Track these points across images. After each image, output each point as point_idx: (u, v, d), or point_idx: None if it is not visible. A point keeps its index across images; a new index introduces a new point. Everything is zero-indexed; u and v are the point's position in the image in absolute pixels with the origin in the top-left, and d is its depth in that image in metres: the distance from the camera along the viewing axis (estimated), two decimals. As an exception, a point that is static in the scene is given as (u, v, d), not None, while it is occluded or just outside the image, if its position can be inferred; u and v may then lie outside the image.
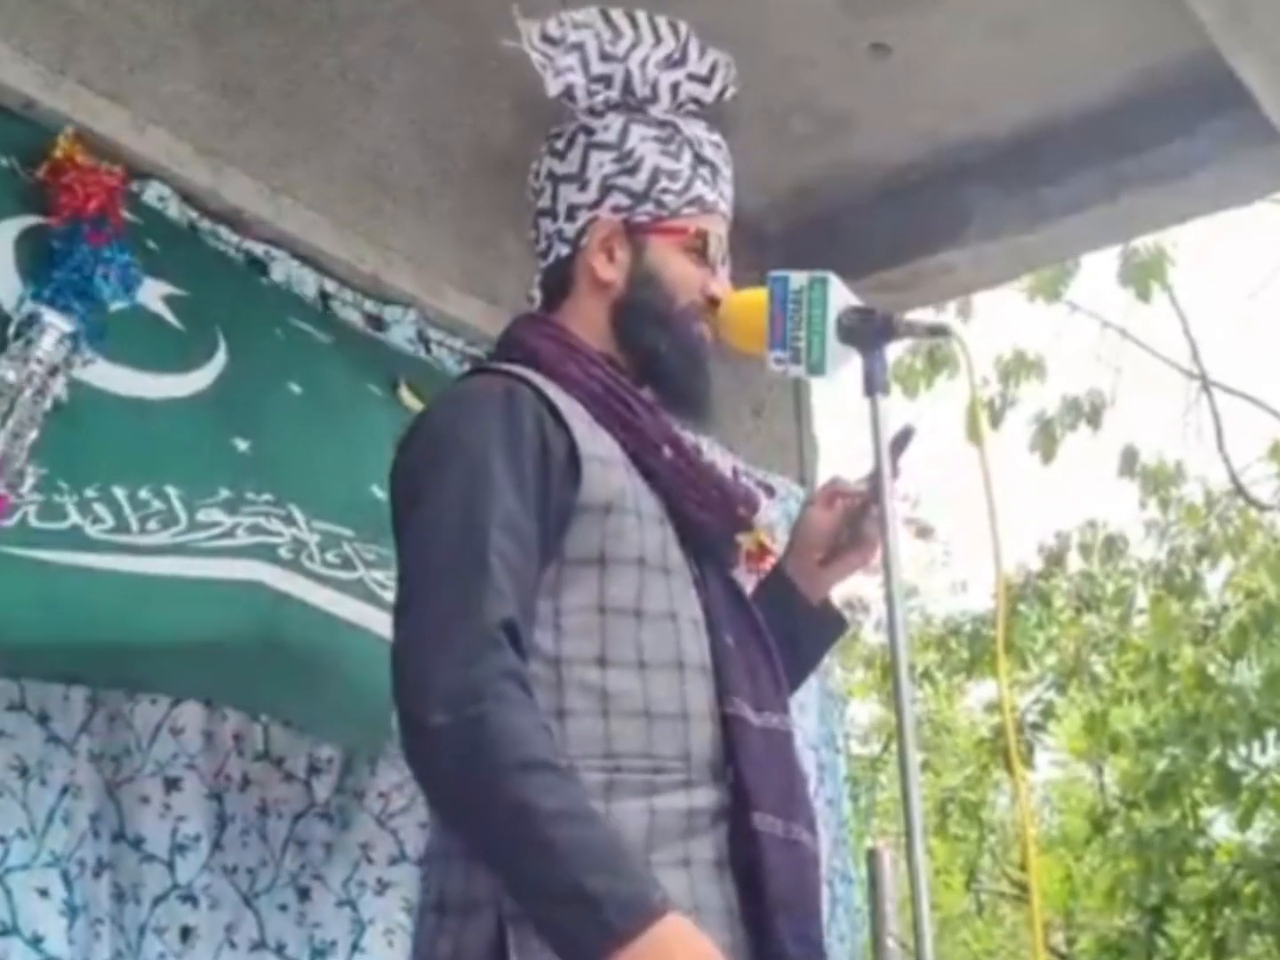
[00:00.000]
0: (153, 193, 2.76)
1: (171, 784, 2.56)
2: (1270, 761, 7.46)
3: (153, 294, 2.58)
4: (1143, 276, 7.36)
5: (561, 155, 1.94)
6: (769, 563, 2.54)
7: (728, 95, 2.00)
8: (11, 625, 2.19)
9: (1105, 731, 8.13)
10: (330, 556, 2.55)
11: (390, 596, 2.46)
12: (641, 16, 1.97)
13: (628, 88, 1.94)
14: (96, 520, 2.31)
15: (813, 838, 1.79)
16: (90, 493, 2.33)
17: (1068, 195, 3.78)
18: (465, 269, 3.35)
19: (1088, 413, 7.94)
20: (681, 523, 1.82)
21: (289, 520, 2.53)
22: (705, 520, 1.85)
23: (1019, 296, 7.79)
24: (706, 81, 1.98)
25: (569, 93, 1.93)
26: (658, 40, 1.96)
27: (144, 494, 2.38)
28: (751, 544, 3.41)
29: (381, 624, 2.53)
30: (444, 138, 3.37)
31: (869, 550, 2.00)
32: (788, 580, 2.06)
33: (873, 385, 1.79)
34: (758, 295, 1.82)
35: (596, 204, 1.91)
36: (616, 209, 1.90)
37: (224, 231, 2.89)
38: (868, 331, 1.81)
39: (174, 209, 2.80)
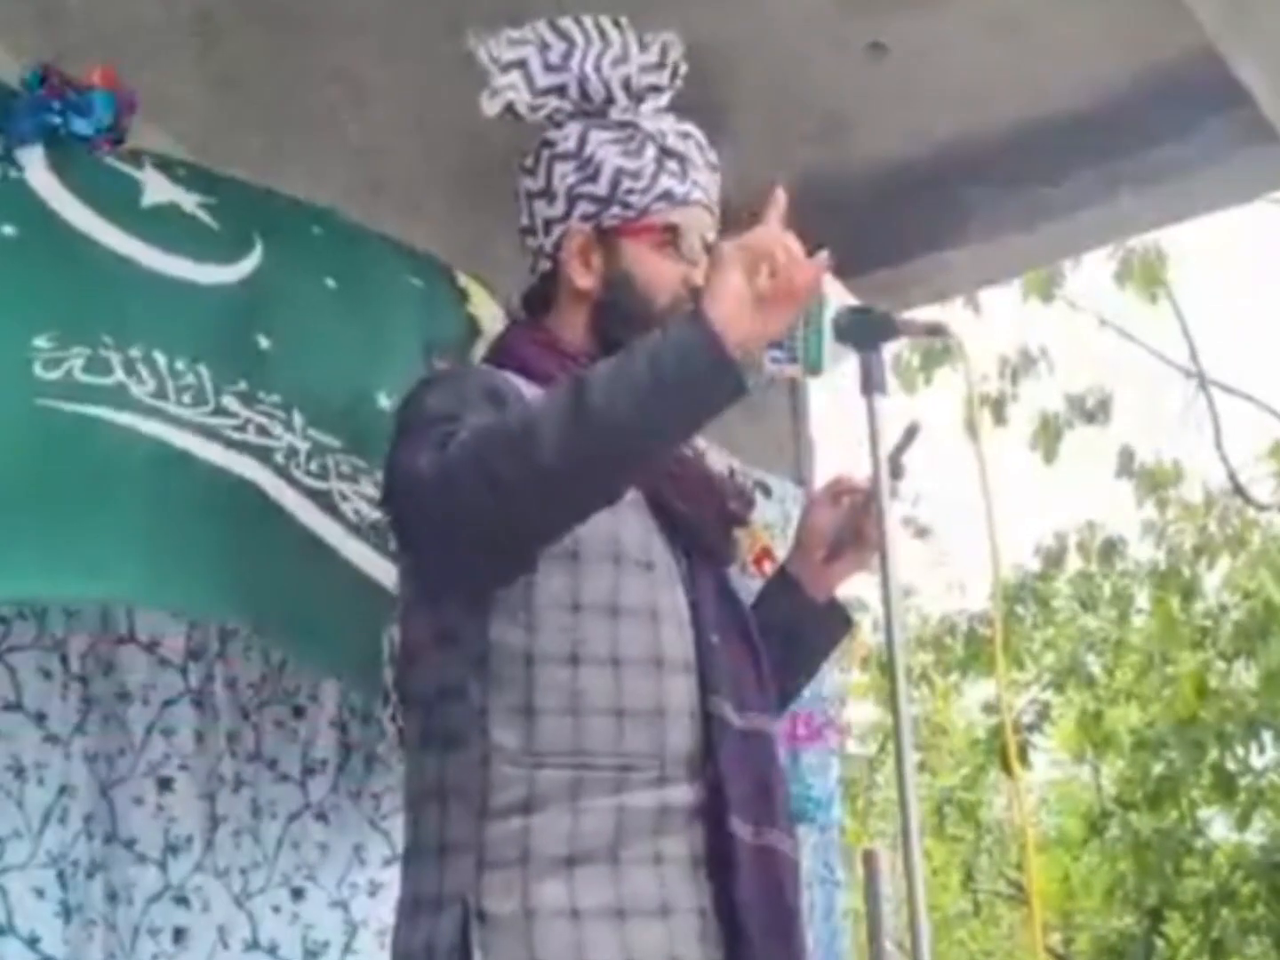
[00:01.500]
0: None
1: (164, 784, 2.56)
2: (1268, 762, 7.47)
3: (186, 199, 2.53)
4: (1145, 279, 7.36)
5: (531, 172, 1.96)
6: (771, 564, 2.54)
7: (682, 72, 1.99)
8: (51, 480, 2.16)
9: (1099, 731, 8.13)
10: (313, 466, 2.55)
11: (350, 510, 2.47)
12: (587, 20, 1.97)
13: (584, 94, 1.94)
14: (140, 381, 2.29)
15: (790, 842, 1.78)
16: (134, 352, 2.30)
17: (1066, 194, 3.77)
18: (461, 270, 3.34)
19: (1090, 411, 7.94)
20: (669, 516, 1.81)
21: (288, 426, 2.51)
22: (691, 513, 1.84)
23: (1016, 295, 7.81)
24: (658, 67, 1.97)
25: (510, 110, 1.94)
26: (604, 41, 1.95)
27: (180, 365, 2.36)
28: (757, 546, 3.41)
29: (333, 535, 2.51)
30: (439, 138, 3.36)
31: (871, 549, 1.99)
32: (793, 579, 2.06)
33: (870, 384, 1.79)
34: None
35: (566, 215, 1.92)
36: (585, 217, 1.91)
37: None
38: (865, 330, 1.81)
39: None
